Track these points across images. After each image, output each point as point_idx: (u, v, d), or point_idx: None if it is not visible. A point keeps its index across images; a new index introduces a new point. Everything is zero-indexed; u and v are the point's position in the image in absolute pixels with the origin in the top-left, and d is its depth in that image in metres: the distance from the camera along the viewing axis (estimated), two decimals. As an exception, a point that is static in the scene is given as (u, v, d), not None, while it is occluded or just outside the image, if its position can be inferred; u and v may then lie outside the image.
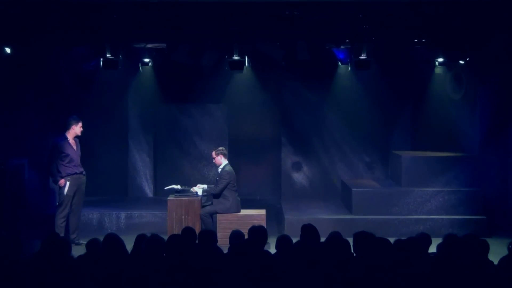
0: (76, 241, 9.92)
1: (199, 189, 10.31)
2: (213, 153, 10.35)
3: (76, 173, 10.04)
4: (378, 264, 5.64)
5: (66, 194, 9.94)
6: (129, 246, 6.40)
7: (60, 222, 9.93)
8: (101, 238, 6.34)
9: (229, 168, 10.27)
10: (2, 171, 10.65)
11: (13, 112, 11.21)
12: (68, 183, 9.94)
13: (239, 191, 10.59)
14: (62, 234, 9.66)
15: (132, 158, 13.28)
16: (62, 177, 9.94)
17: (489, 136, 11.67)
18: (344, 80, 13.04)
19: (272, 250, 6.76)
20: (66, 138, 10.05)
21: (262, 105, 13.53)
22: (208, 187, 10.37)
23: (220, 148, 10.43)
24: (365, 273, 5.55)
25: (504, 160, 11.58)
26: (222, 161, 10.30)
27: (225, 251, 6.38)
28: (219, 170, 10.33)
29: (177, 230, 9.55)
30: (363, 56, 10.61)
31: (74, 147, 10.10)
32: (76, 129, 10.09)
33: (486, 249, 6.12)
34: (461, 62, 11.45)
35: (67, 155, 9.96)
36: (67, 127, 10.07)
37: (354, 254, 6.24)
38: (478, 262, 5.89)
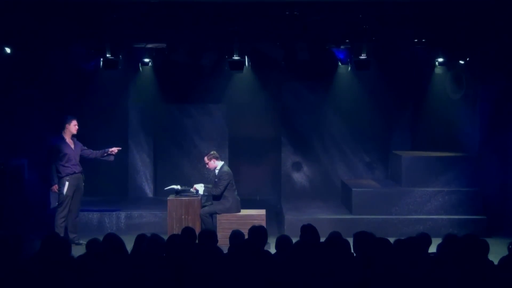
0: (76, 241, 9.92)
1: (200, 187, 10.31)
2: (205, 158, 10.34)
3: (75, 173, 10.05)
4: (378, 264, 5.64)
5: (66, 194, 9.95)
6: (129, 246, 6.40)
7: (60, 222, 9.93)
8: (101, 238, 6.34)
9: (226, 168, 10.28)
10: (2, 171, 10.65)
11: (13, 112, 11.20)
12: (67, 183, 9.96)
13: (239, 191, 10.59)
14: (62, 234, 9.68)
15: (132, 158, 13.28)
16: (61, 178, 9.96)
17: (489, 136, 11.66)
18: (344, 80, 13.03)
19: (272, 250, 6.76)
20: (63, 138, 10.08)
21: (262, 105, 13.52)
22: (205, 186, 10.36)
23: (212, 152, 10.40)
24: (365, 273, 5.55)
25: (504, 160, 11.57)
26: (216, 164, 10.30)
27: (225, 251, 6.38)
28: (217, 171, 10.32)
29: (177, 230, 9.55)
30: (363, 56, 10.62)
31: (72, 146, 10.12)
32: (71, 127, 10.10)
33: (486, 249, 6.12)
34: (461, 62, 11.45)
35: (65, 155, 9.98)
36: (62, 127, 10.09)
37: (354, 254, 6.24)
38: (478, 262, 5.89)
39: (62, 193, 9.95)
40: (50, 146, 10.04)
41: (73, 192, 10.02)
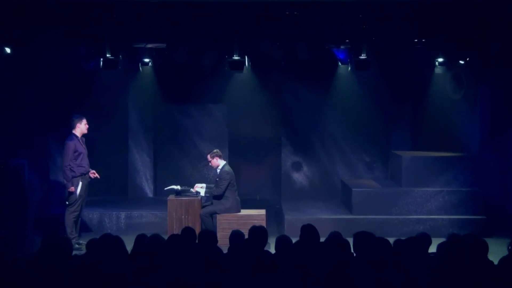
0: (76, 241, 9.92)
1: (201, 189, 10.32)
2: (208, 156, 10.37)
3: (87, 172, 10.09)
4: (378, 264, 5.64)
5: (79, 194, 9.96)
6: (129, 246, 6.40)
7: (71, 221, 9.92)
8: (101, 238, 6.33)
9: (228, 168, 10.29)
10: (2, 171, 10.64)
11: (13, 112, 11.19)
12: (81, 182, 9.98)
13: (239, 191, 10.59)
14: (71, 231, 9.80)
15: (132, 158, 13.28)
16: (75, 177, 9.96)
17: (489, 136, 11.67)
18: (344, 80, 13.04)
19: (272, 250, 6.76)
20: (76, 136, 10.10)
21: (262, 105, 13.52)
22: (207, 186, 10.37)
23: (215, 150, 10.43)
24: (365, 273, 5.55)
25: (504, 160, 11.58)
26: (219, 163, 10.32)
27: (225, 251, 6.37)
28: (218, 171, 10.33)
29: (177, 230, 9.56)
30: (363, 56, 10.62)
31: (83, 146, 10.16)
32: (81, 126, 10.13)
33: (486, 249, 6.12)
34: (461, 62, 11.46)
35: (80, 154, 10.02)
36: (72, 127, 10.11)
37: (354, 254, 6.24)
38: (478, 262, 5.88)
39: (76, 193, 9.94)
40: (67, 146, 9.99)
41: (84, 192, 10.06)
